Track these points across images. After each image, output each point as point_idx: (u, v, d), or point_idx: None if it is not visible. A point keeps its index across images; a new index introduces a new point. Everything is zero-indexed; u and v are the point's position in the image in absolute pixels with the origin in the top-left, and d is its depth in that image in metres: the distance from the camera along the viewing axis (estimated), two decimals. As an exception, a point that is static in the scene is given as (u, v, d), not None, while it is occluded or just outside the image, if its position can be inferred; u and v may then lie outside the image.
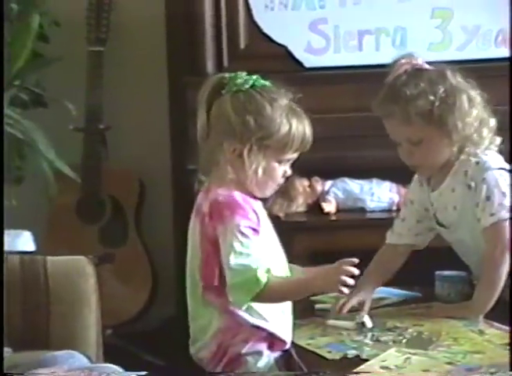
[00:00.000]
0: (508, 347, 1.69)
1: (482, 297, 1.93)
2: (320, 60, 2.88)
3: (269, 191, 1.75)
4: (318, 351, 1.76)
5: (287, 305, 1.77)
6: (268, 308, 1.72)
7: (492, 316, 1.89)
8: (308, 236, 2.72)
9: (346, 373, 1.59)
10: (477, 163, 1.94)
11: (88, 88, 3.00)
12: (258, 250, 1.68)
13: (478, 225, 1.95)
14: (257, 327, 1.71)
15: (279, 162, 1.73)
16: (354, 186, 2.83)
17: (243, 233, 1.67)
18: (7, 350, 1.72)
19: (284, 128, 1.71)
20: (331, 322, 1.90)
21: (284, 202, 2.77)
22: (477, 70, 2.70)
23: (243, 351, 1.70)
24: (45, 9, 2.90)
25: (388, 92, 1.96)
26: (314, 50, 2.88)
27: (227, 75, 1.76)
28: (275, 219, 1.83)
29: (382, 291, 2.10)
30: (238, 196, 1.71)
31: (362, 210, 2.81)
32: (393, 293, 2.12)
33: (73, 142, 3.02)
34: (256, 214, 1.71)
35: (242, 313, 1.70)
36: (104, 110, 3.05)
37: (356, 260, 1.63)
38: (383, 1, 2.84)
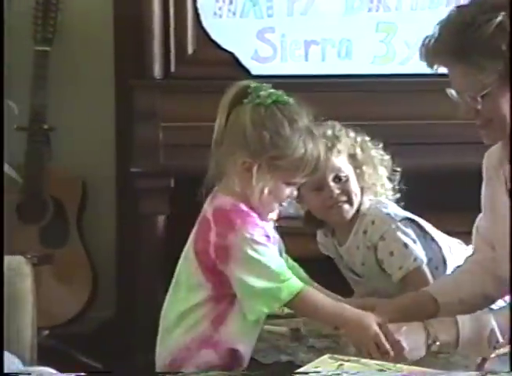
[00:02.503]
0: (438, 355, 1.73)
1: None
2: (267, 68, 2.90)
3: (271, 210, 1.74)
4: (253, 355, 1.78)
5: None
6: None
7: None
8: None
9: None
10: (373, 222, 1.99)
11: (32, 88, 2.98)
12: (277, 256, 1.68)
13: (387, 277, 2.01)
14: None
15: (287, 184, 1.70)
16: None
17: (258, 242, 1.66)
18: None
19: (299, 152, 1.67)
20: (266, 327, 1.92)
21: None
22: (418, 84, 2.77)
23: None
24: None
25: None
26: (261, 58, 2.90)
27: (253, 84, 1.72)
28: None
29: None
30: (244, 207, 1.69)
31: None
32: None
33: (17, 141, 3.00)
34: (265, 228, 1.70)
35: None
36: (49, 110, 3.03)
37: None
38: (329, 13, 2.87)
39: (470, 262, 1.91)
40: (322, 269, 2.04)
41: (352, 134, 2.03)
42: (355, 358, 1.69)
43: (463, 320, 1.71)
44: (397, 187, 2.05)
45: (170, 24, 2.87)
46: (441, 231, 2.12)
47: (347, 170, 1.99)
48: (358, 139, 2.03)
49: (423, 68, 2.86)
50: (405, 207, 2.08)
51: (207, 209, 1.72)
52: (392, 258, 1.98)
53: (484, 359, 1.68)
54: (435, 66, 1.69)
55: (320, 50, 2.89)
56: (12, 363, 1.71)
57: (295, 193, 1.74)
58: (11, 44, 2.96)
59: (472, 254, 1.92)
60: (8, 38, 2.95)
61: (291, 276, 1.68)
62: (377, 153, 2.04)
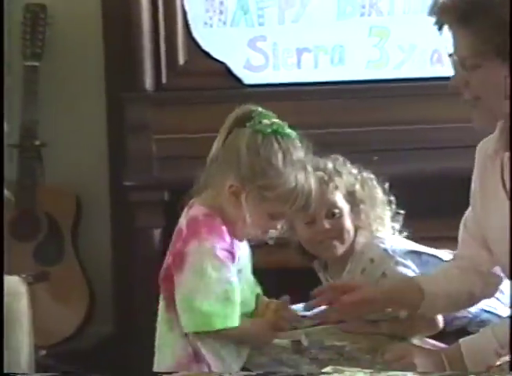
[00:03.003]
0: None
1: None
2: (259, 77, 2.88)
3: (249, 237, 1.72)
4: (255, 370, 1.75)
5: None
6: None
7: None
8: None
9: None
10: (372, 260, 1.94)
11: (23, 104, 2.96)
12: (230, 275, 1.65)
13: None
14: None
15: (272, 217, 1.69)
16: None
17: (216, 256, 1.64)
18: None
19: (289, 185, 1.66)
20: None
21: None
22: (414, 88, 2.75)
23: None
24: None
25: None
26: (253, 67, 2.88)
27: (259, 110, 1.70)
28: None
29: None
30: (219, 221, 1.67)
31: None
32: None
33: (8, 158, 2.97)
34: (232, 244, 1.67)
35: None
36: (40, 126, 3.01)
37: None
38: (321, 20, 2.85)
39: (458, 257, 1.89)
40: (302, 279, 2.00)
41: (355, 170, 1.98)
42: (358, 369, 1.66)
43: (467, 346, 1.70)
44: (397, 229, 1.99)
45: (160, 35, 2.85)
46: (429, 237, 2.10)
47: (342, 206, 1.93)
48: (359, 176, 1.98)
49: (417, 72, 2.87)
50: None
51: (183, 221, 1.71)
52: None
53: (490, 367, 1.66)
54: (441, 25, 1.69)
55: (313, 57, 2.87)
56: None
57: (279, 226, 1.72)
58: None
59: (458, 250, 1.89)
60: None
61: (232, 307, 1.66)
62: (380, 192, 1.98)
